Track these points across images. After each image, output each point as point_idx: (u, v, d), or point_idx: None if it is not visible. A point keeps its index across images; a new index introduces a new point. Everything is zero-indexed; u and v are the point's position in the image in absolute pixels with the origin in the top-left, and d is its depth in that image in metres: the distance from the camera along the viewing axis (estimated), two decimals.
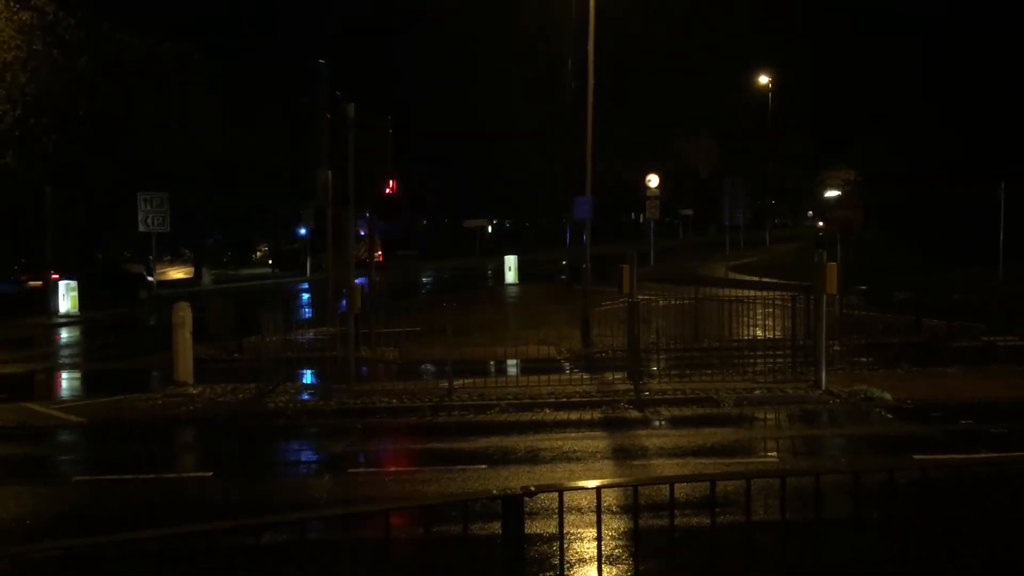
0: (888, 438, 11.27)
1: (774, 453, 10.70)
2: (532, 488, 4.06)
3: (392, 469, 10.43)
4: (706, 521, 4.58)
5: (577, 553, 7.02)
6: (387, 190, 16.31)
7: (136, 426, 12.43)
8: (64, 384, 17.69)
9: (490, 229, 66.44)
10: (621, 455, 10.42)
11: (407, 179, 37.93)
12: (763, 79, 58.20)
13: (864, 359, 16.25)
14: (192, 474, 10.53)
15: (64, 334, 26.42)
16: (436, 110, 60.89)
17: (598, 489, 4.34)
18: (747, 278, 34.80)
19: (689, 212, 64.58)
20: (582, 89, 21.02)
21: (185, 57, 32.93)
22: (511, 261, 38.49)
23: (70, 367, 20.22)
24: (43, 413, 13.24)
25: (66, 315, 29.29)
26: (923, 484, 4.45)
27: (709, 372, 14.93)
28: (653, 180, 39.74)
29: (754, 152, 64.71)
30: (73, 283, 31.19)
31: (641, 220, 54.54)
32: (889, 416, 12.15)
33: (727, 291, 20.84)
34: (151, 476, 9.98)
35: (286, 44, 45.55)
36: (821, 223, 55.96)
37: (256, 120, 41.16)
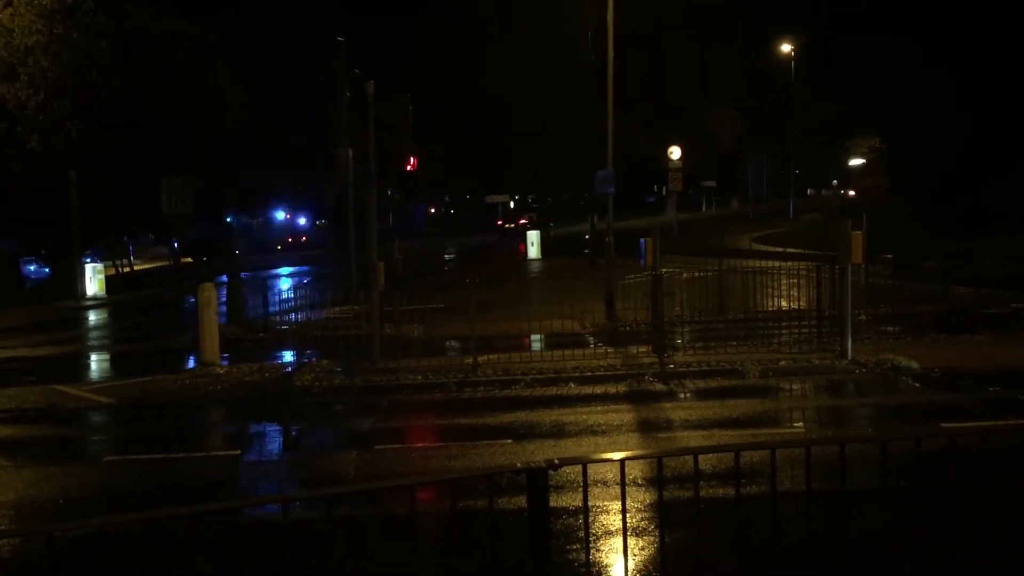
0: (915, 407, 11.20)
1: (800, 424, 10.65)
2: (556, 461, 4.07)
3: (418, 445, 10.48)
4: (732, 492, 4.57)
5: (603, 525, 7.05)
6: (408, 167, 16.29)
7: (164, 406, 12.57)
8: (93, 366, 17.88)
9: (512, 204, 66.27)
10: (646, 428, 10.42)
11: (428, 156, 37.93)
12: (785, 47, 57.55)
13: (891, 328, 16.14)
14: (220, 453, 10.63)
15: (92, 316, 26.69)
16: (456, 86, 60.69)
17: (622, 461, 4.34)
18: (771, 249, 34.60)
19: (712, 184, 64.23)
20: (602, 62, 20.88)
21: (204, 37, 32.94)
22: (534, 236, 38.49)
23: (99, 349, 20.44)
24: (73, 395, 13.41)
25: (93, 298, 29.59)
26: (951, 452, 4.42)
27: (734, 344, 14.88)
28: (675, 152, 39.55)
29: (777, 121, 64.09)
30: (100, 266, 31.50)
31: (664, 193, 54.29)
32: (916, 385, 12.07)
33: (751, 262, 20.73)
34: (180, 455, 10.08)
35: (304, 22, 45.43)
36: (845, 192, 55.44)
37: (276, 99, 41.22)
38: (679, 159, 39.68)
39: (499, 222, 60.07)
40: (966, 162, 35.90)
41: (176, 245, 37.88)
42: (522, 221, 52.51)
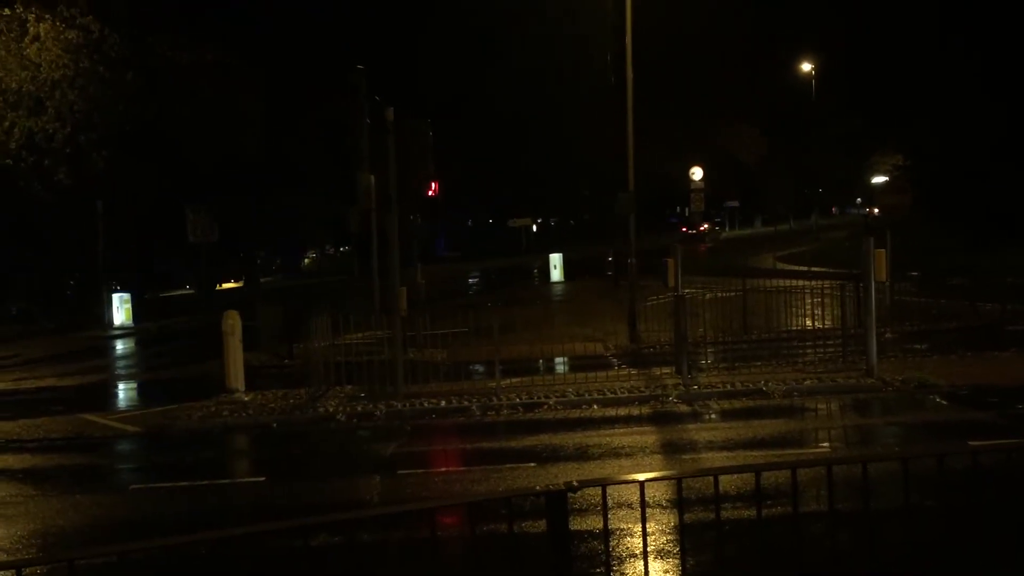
0: (942, 425, 11.08)
1: (826, 444, 10.57)
2: (575, 483, 4.06)
3: (442, 469, 10.48)
4: (755, 513, 4.54)
5: (627, 548, 7.01)
6: (429, 192, 16.40)
7: (190, 434, 12.64)
8: (120, 394, 18.02)
9: (535, 227, 66.43)
10: (670, 449, 10.37)
11: (449, 180, 38.10)
12: (806, 66, 57.48)
13: (917, 346, 16.00)
14: (245, 479, 10.67)
15: (120, 345, 26.91)
16: (477, 110, 60.98)
17: (642, 483, 4.32)
18: (795, 268, 34.42)
19: (735, 204, 64.09)
20: (621, 84, 20.92)
21: (227, 65, 33.31)
22: (556, 259, 38.51)
23: (126, 377, 20.60)
24: (100, 423, 13.51)
25: (121, 327, 29.83)
26: (977, 470, 4.37)
27: (758, 364, 14.79)
28: (697, 173, 39.44)
29: (799, 139, 63.91)
30: (127, 296, 31.77)
31: (686, 213, 54.29)
32: (943, 403, 11.94)
33: (775, 282, 20.61)
34: (205, 482, 10.13)
35: (323, 48, 45.77)
36: (870, 209, 55.10)
37: (297, 125, 41.53)
38: (701, 179, 39.58)
39: (683, 228, 65.58)
40: (1001, 157, 34.73)
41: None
42: (703, 227, 57.57)
